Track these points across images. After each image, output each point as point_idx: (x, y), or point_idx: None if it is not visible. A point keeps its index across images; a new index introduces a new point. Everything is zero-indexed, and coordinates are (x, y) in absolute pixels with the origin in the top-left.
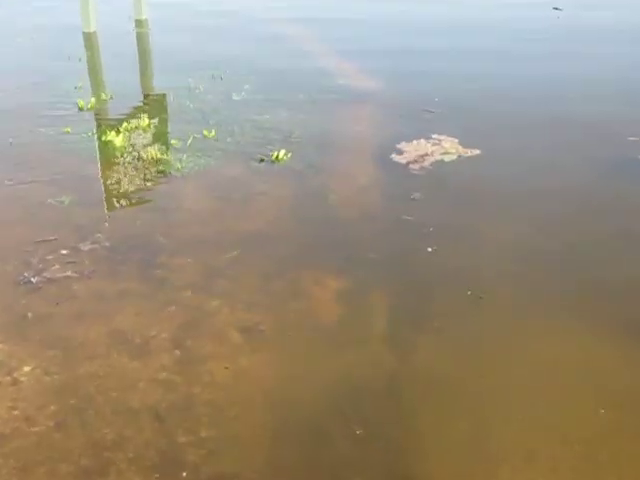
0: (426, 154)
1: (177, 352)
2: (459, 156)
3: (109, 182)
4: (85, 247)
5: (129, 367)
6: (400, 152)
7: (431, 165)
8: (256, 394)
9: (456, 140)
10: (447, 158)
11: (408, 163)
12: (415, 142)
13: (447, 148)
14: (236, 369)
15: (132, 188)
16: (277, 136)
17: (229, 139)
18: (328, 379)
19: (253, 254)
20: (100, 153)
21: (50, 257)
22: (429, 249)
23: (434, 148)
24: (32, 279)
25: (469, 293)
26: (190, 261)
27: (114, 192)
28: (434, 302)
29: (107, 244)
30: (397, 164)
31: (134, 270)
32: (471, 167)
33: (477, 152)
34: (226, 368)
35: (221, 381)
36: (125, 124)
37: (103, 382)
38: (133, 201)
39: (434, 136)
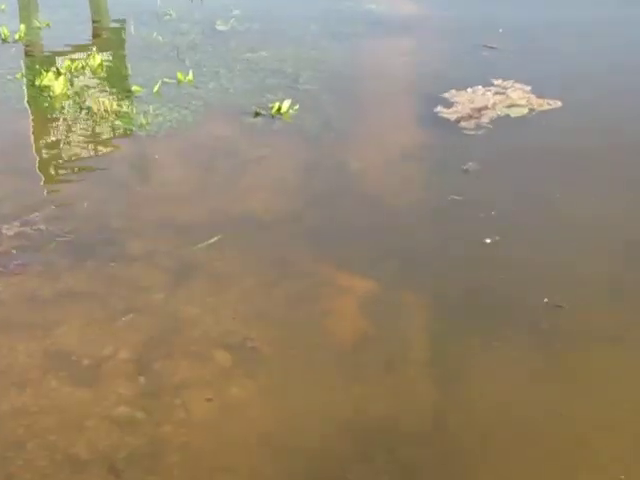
0: (485, 107)
1: (141, 379)
2: (531, 110)
3: (46, 144)
4: (11, 231)
5: (73, 399)
6: (448, 104)
7: (491, 122)
8: (249, 437)
9: (528, 88)
10: (514, 112)
11: (459, 119)
12: (470, 90)
13: (515, 99)
14: (222, 402)
15: (78, 152)
16: (279, 81)
17: (212, 85)
18: (348, 418)
19: (245, 245)
20: (32, 103)
21: None
22: (487, 240)
23: (496, 99)
24: None
25: (545, 301)
26: (158, 252)
27: (52, 158)
28: (494, 315)
29: (42, 227)
30: (444, 121)
31: (80, 264)
32: (548, 126)
33: (557, 105)
34: (208, 400)
35: (201, 418)
36: (67, 63)
37: (36, 421)
38: (79, 170)
39: (497, 82)
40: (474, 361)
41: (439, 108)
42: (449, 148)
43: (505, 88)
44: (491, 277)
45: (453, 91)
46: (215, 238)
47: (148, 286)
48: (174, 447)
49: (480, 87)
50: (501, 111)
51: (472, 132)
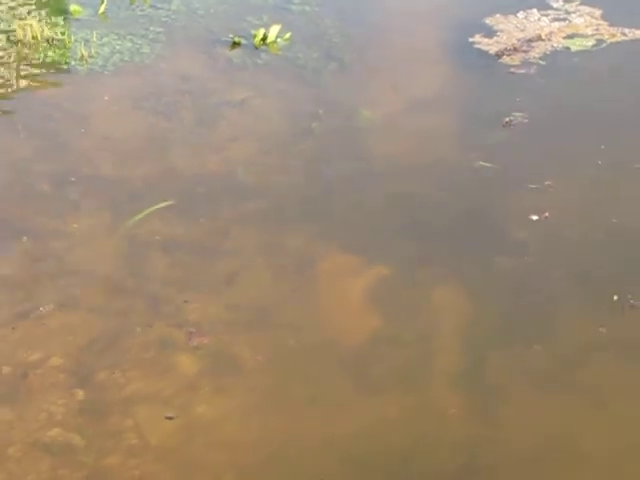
0: (537, 37)
1: (79, 392)
2: (599, 42)
3: None
4: None
5: None
6: (489, 32)
7: (543, 58)
8: (223, 470)
9: (597, 12)
10: (576, 45)
11: (501, 53)
12: (520, 14)
13: (578, 26)
14: (187, 421)
15: None
16: None
17: (176, 4)
18: (349, 445)
19: (221, 216)
20: None
21: None
22: (534, 217)
23: (553, 26)
24: None
25: (615, 299)
26: (101, 225)
27: None
28: (546, 312)
29: None
30: (482, 55)
31: None
32: (620, 63)
33: (635, 35)
34: (169, 419)
35: (159, 443)
36: None
37: None
38: None
39: (555, 5)
40: (519, 379)
41: (476, 38)
42: (488, 92)
43: (568, 13)
44: (537, 262)
45: (498, 16)
46: (169, 202)
47: (86, 270)
48: None
49: (535, 11)
50: (558, 43)
51: (517, 70)
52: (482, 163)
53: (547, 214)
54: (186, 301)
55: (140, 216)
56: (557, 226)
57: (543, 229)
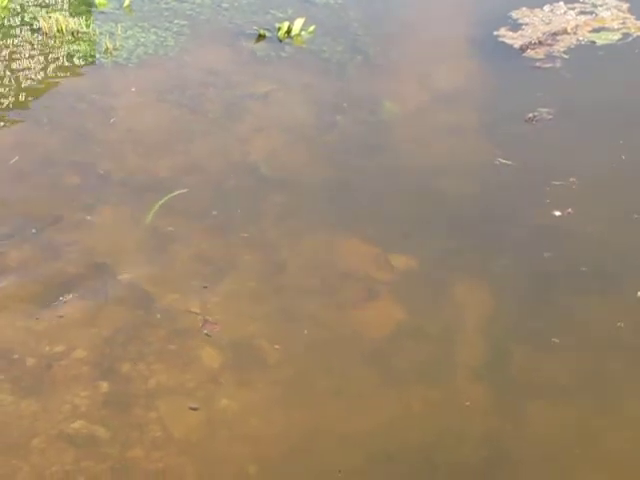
0: (563, 31)
1: (104, 384)
2: (625, 35)
3: None
4: None
5: (16, 411)
6: (515, 26)
7: (568, 52)
8: (246, 463)
9: (624, 5)
10: (601, 39)
11: (525, 47)
12: (546, 8)
13: (604, 20)
14: (210, 414)
15: (21, 84)
16: None
17: None
18: (372, 438)
19: (244, 209)
20: None
21: None
22: (557, 213)
23: (580, 19)
24: None
25: (639, 295)
26: (125, 216)
27: None
28: (568, 307)
29: None
30: (507, 49)
31: (19, 227)
32: None
33: None
34: (192, 410)
35: (183, 436)
36: None
37: None
38: (23, 111)
39: None
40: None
41: (502, 31)
42: (509, 86)
43: (595, 6)
44: (562, 257)
45: (524, 9)
46: (183, 190)
47: (111, 263)
48: (145, 476)
49: (562, 4)
50: (584, 36)
51: (542, 65)
52: (502, 160)
53: (570, 210)
54: (205, 287)
55: (156, 208)
56: (580, 222)
57: (566, 225)
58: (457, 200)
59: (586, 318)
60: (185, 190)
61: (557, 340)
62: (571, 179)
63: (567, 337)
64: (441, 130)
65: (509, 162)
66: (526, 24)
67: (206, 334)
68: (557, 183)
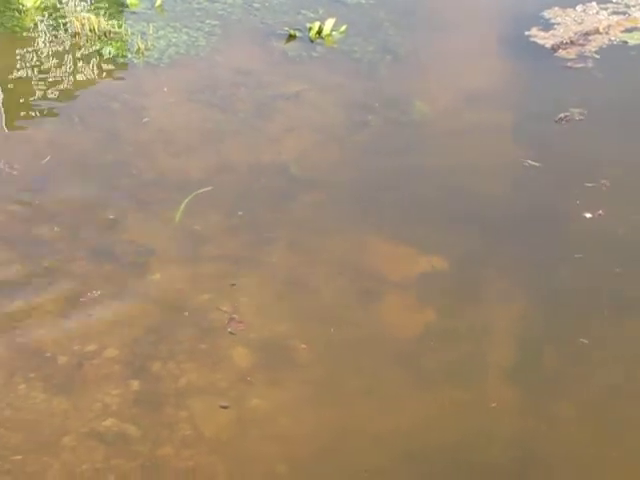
0: (595, 31)
1: (134, 383)
2: None
3: (10, 75)
4: None
5: (48, 410)
6: (547, 25)
7: (599, 52)
8: (276, 462)
9: None
10: (634, 39)
11: (556, 47)
12: (579, 7)
13: (637, 20)
14: (240, 413)
15: (53, 84)
16: None
17: None
18: (402, 439)
19: (274, 208)
20: None
21: None
22: (587, 215)
23: (612, 20)
24: None
25: None
26: (156, 216)
27: (18, 94)
28: (598, 308)
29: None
30: (538, 48)
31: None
32: None
33: None
34: (223, 408)
35: (213, 435)
36: None
37: (1, 437)
38: (55, 110)
39: None
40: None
41: (533, 31)
42: (540, 87)
43: (628, 6)
44: (591, 262)
45: (556, 9)
46: (203, 189)
47: (141, 263)
48: (175, 475)
49: (594, 4)
50: (616, 37)
51: (574, 65)
52: (530, 162)
53: (601, 212)
54: (233, 284)
55: (183, 207)
56: (610, 224)
57: (596, 227)
58: (487, 200)
59: (618, 320)
60: (209, 188)
61: (586, 341)
62: (602, 181)
63: (597, 338)
64: (472, 130)
65: (537, 164)
66: (558, 24)
67: (230, 332)
68: (589, 185)
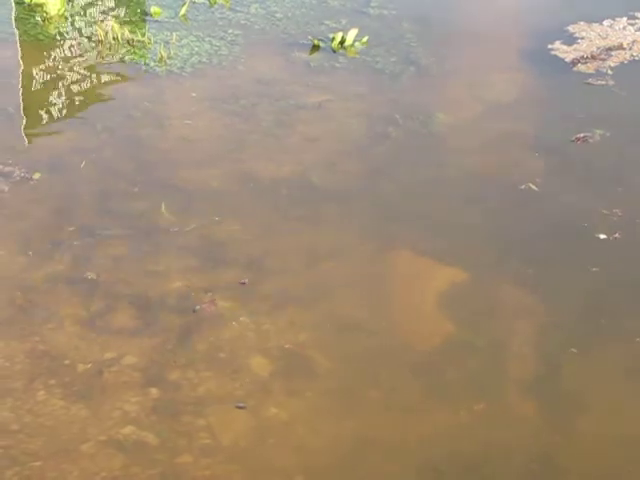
0: (617, 46)
1: (153, 390)
2: None
3: (34, 82)
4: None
5: (67, 416)
6: (570, 40)
7: (620, 67)
8: (294, 473)
9: None
10: None
11: (576, 61)
12: (605, 22)
13: None
14: (259, 421)
15: (76, 92)
16: (343, 3)
17: (255, 8)
18: (421, 451)
19: (295, 218)
20: (20, 27)
21: None
22: (601, 236)
23: (638, 35)
24: None
25: None
26: (177, 226)
27: (42, 100)
28: (617, 323)
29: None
30: (558, 62)
31: (66, 238)
32: None
33: None
34: (239, 409)
35: (231, 444)
36: None
37: (17, 443)
38: (78, 115)
39: None
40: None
41: (556, 44)
42: (563, 102)
43: None
44: (609, 285)
45: (582, 23)
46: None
47: (166, 270)
48: None
49: (624, 19)
50: (638, 52)
51: (595, 80)
52: (531, 186)
53: (617, 235)
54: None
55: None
56: (627, 245)
57: (612, 247)
58: (505, 214)
59: (632, 335)
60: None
61: (612, 355)
62: (615, 210)
63: (617, 351)
64: (493, 144)
65: (536, 188)
66: (582, 38)
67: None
68: (605, 212)
